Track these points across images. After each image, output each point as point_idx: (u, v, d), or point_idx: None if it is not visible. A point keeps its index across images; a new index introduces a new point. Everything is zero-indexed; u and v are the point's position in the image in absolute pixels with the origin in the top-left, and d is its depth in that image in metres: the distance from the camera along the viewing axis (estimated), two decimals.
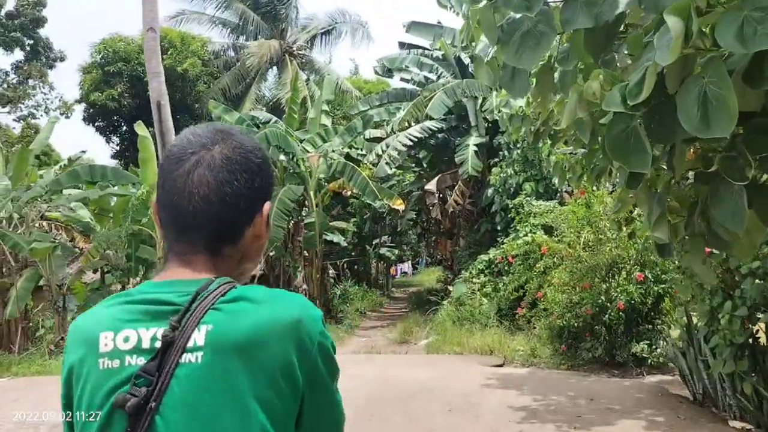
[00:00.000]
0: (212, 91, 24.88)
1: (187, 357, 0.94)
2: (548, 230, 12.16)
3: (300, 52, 28.18)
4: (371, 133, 18.95)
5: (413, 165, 21.51)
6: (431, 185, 16.41)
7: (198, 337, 0.95)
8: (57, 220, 15.38)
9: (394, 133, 16.37)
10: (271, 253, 16.92)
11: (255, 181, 1.09)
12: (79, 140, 53.23)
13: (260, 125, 16.28)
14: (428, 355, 11.07)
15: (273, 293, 1.03)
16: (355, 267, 29.41)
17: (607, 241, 9.03)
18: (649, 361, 8.51)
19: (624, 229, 7.50)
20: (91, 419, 0.96)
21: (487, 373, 8.65)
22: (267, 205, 1.12)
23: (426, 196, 16.82)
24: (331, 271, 24.04)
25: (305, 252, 16.35)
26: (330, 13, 29.43)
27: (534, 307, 10.25)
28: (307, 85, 26.32)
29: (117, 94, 23.57)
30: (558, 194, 13.80)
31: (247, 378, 0.94)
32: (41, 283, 13.21)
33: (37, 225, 14.42)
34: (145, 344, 0.97)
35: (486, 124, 16.27)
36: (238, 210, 1.06)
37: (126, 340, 0.97)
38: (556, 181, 8.84)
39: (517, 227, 12.71)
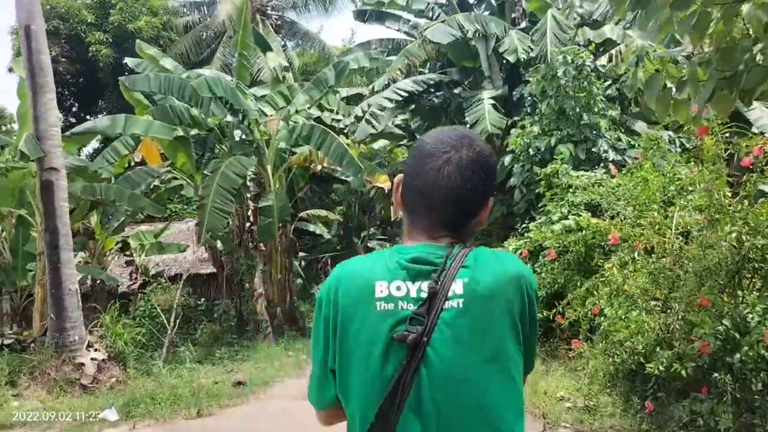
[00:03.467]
0: (169, 56, 20.86)
1: (449, 304, 1.25)
2: (593, 211, 8.38)
3: (275, 12, 24.19)
4: (349, 92, 15.06)
5: (404, 138, 17.63)
6: None
7: (456, 288, 1.26)
8: None
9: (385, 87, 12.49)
10: (218, 246, 13.09)
11: (488, 182, 1.36)
12: None
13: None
14: None
15: (496, 253, 1.35)
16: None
17: (724, 221, 5.16)
18: None
19: None
20: (373, 348, 1.26)
21: None
22: (491, 200, 1.40)
23: None
24: (306, 267, 20.28)
25: (262, 246, 12.48)
26: None
27: (586, 327, 6.39)
28: (284, 51, 22.49)
29: (50, 58, 19.57)
30: (602, 163, 9.95)
31: (495, 317, 1.26)
32: None
33: None
34: (413, 294, 1.27)
35: (503, 73, 12.40)
36: (473, 202, 1.36)
37: (398, 288, 1.28)
38: (649, 107, 5.08)
39: (548, 207, 8.85)
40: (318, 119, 13.06)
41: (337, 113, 13.29)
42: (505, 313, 1.26)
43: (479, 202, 1.36)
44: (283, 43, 24.13)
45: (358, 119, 12.17)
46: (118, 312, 13.23)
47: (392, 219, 16.43)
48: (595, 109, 10.02)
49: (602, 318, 6.25)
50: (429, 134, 1.41)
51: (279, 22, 24.18)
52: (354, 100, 15.42)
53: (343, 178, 13.21)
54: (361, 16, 14.48)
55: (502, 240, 10.58)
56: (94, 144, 20.21)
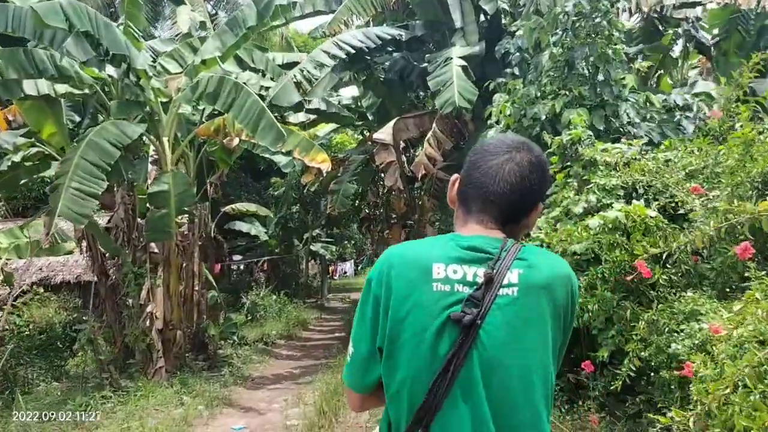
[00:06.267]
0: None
1: (504, 291, 1.30)
2: (629, 199, 5.53)
3: None
4: (286, 57, 11.88)
5: (354, 119, 14.58)
6: (383, 133, 9.60)
7: (512, 277, 1.32)
8: None
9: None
10: (101, 250, 9.70)
11: (543, 184, 1.44)
12: None
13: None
14: None
15: (546, 252, 1.45)
16: (281, 267, 22.29)
17: None
18: None
19: None
20: (427, 326, 1.29)
21: None
22: (541, 206, 1.49)
23: (376, 154, 9.97)
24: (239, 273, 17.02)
25: (154, 247, 9.17)
26: None
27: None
28: (213, 22, 19.09)
29: None
30: (624, 136, 7.12)
31: (547, 308, 1.32)
32: None
33: None
34: (469, 278, 1.32)
35: (479, 25, 9.52)
36: (526, 201, 1.43)
37: (455, 272, 1.33)
38: None
39: (563, 193, 5.92)
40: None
41: (264, 75, 10.09)
42: (553, 307, 1.33)
43: (532, 202, 1.44)
44: (214, 12, 20.78)
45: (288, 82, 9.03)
46: None
47: (337, 215, 13.33)
48: (618, 61, 7.21)
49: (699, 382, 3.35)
50: (490, 138, 1.51)
51: None
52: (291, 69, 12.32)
53: (268, 157, 10.00)
54: None
55: None
56: None
